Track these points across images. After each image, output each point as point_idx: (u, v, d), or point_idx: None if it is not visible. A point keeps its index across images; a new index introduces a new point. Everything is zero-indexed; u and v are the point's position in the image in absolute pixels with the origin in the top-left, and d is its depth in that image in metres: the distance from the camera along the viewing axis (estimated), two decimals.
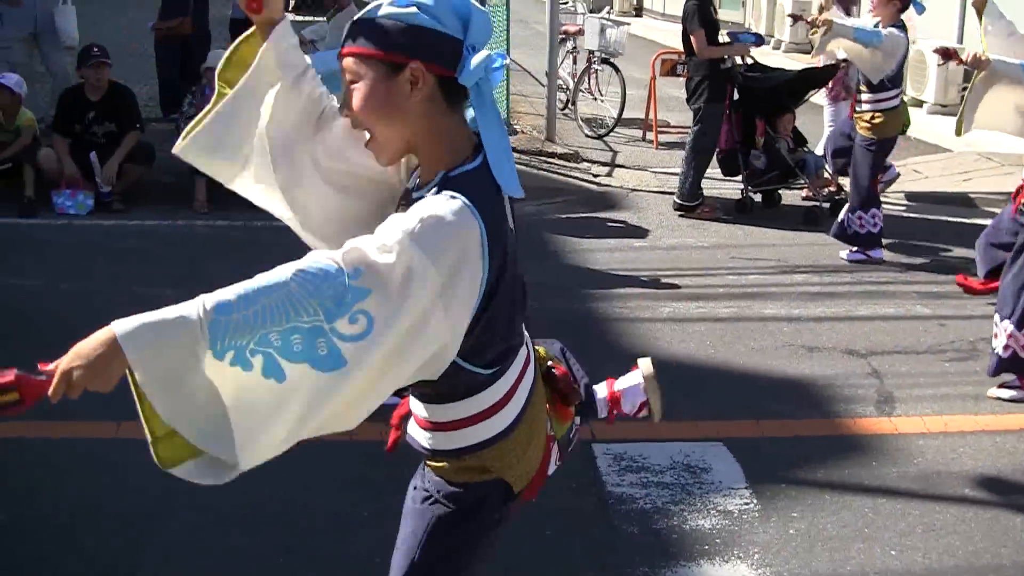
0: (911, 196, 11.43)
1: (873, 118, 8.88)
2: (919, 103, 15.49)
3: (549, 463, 2.91)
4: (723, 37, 10.38)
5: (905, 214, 10.94)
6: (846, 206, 9.17)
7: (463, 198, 2.39)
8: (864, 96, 8.95)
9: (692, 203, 10.23)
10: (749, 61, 10.96)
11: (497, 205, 2.51)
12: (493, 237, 2.42)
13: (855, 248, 9.11)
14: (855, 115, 9.10)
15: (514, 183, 2.52)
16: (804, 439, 5.97)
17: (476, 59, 2.44)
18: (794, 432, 6.06)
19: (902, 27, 8.81)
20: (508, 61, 2.59)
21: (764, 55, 16.57)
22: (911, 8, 8.87)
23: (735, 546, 4.89)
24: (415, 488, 2.83)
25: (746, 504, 5.24)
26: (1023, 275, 6.42)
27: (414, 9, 2.43)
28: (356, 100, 2.48)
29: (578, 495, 5.25)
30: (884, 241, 9.15)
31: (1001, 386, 6.58)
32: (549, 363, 2.98)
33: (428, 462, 2.78)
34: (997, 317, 6.57)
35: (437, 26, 2.44)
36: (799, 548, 4.90)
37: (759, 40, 10.84)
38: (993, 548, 4.99)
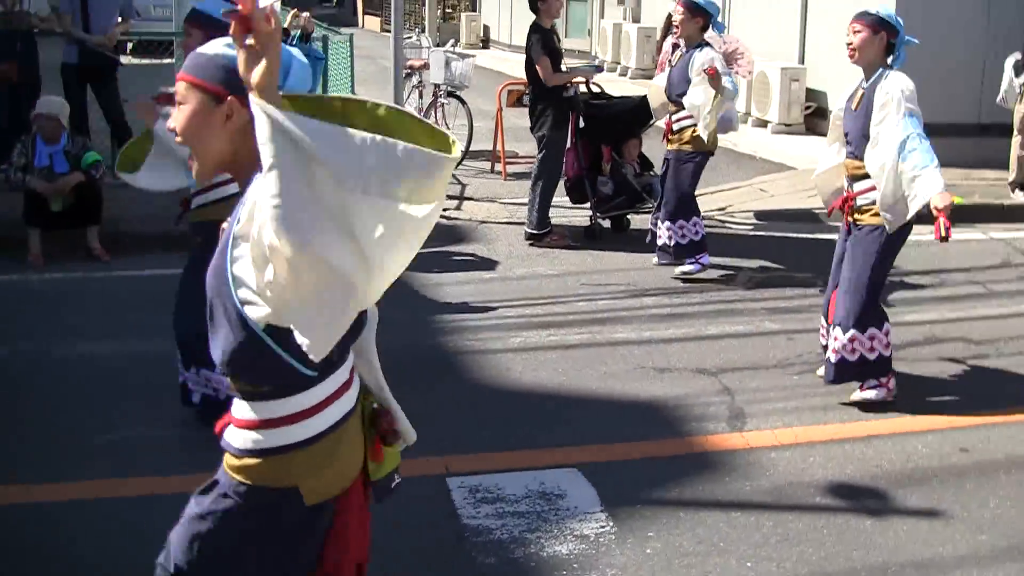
0: (759, 214, 11.61)
1: (693, 132, 9.07)
2: (764, 123, 15.77)
3: (362, 503, 3.06)
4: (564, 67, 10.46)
5: (752, 232, 11.10)
6: (662, 225, 9.29)
7: None
8: (679, 115, 9.19)
9: (541, 231, 10.23)
10: (595, 89, 11.06)
11: None
12: None
13: (685, 261, 9.26)
14: (670, 138, 9.29)
15: None
16: (658, 459, 5.98)
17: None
18: (647, 453, 6.06)
19: (707, 45, 9.12)
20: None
21: (610, 82, 16.78)
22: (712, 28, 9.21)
23: (593, 570, 4.87)
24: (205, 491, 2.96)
25: (602, 527, 5.22)
26: (851, 281, 6.55)
27: None
28: (179, 120, 2.83)
29: (434, 530, 5.19)
30: (736, 261, 9.27)
31: (863, 388, 6.69)
32: (375, 405, 3.08)
33: (231, 462, 2.89)
34: (827, 323, 6.71)
35: None
36: (656, 567, 4.90)
37: (598, 70, 10.95)
38: (845, 552, 5.08)
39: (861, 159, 6.53)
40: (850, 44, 6.55)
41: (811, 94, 15.51)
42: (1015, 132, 12.40)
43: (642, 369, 7.22)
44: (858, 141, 6.56)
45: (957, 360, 7.61)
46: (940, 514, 5.48)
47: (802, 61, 15.88)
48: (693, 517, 5.34)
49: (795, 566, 4.94)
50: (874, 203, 6.49)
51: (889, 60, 6.56)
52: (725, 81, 8.81)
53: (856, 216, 6.63)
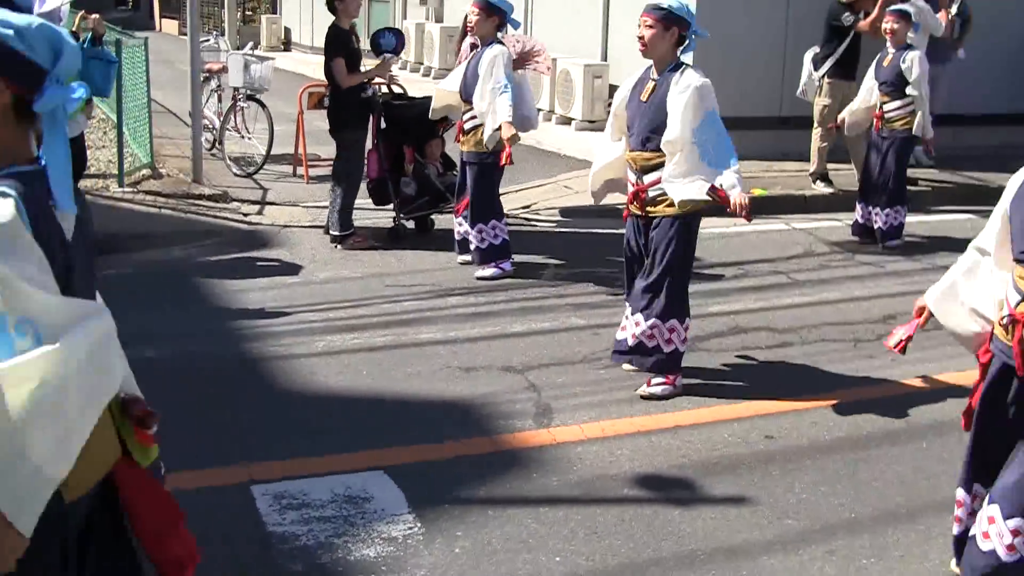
0: (563, 211, 11.68)
1: (483, 132, 9.10)
2: (568, 120, 15.88)
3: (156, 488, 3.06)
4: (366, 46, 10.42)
5: (557, 229, 11.17)
6: (464, 228, 9.31)
7: (10, 190, 2.57)
8: (469, 114, 9.22)
9: (344, 233, 10.11)
10: (396, 89, 10.98)
11: (47, 212, 2.66)
12: (36, 229, 2.57)
13: (488, 264, 9.30)
14: (462, 139, 9.32)
15: (68, 201, 2.70)
16: (465, 458, 5.94)
17: (55, 92, 2.69)
18: (455, 453, 6.01)
19: (500, 42, 9.18)
20: (85, 95, 2.72)
21: (413, 82, 16.71)
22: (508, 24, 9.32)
23: (401, 571, 4.82)
24: None
25: (410, 529, 5.16)
26: (657, 274, 6.62)
27: (12, 32, 2.65)
28: None
29: (239, 540, 5.05)
30: (541, 259, 9.31)
31: (651, 383, 6.76)
32: (122, 394, 3.02)
33: None
34: (629, 310, 6.76)
35: (28, 53, 2.67)
36: (465, 566, 4.87)
37: (399, 41, 10.84)
38: (654, 543, 5.11)
39: (650, 151, 6.58)
40: (641, 38, 6.58)
41: (614, 91, 15.62)
42: (815, 124, 12.75)
43: (448, 369, 7.19)
44: (648, 134, 6.60)
45: (761, 349, 7.77)
46: (747, 501, 5.57)
47: (605, 58, 16.03)
48: (501, 515, 5.32)
49: (604, 559, 4.97)
50: (666, 193, 6.57)
51: (679, 52, 6.62)
52: (501, 81, 8.86)
53: (649, 209, 6.68)
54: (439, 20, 22.75)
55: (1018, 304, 4.22)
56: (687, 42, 6.60)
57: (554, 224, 11.38)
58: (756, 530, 5.28)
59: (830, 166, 12.70)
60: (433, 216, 10.84)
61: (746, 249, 10.55)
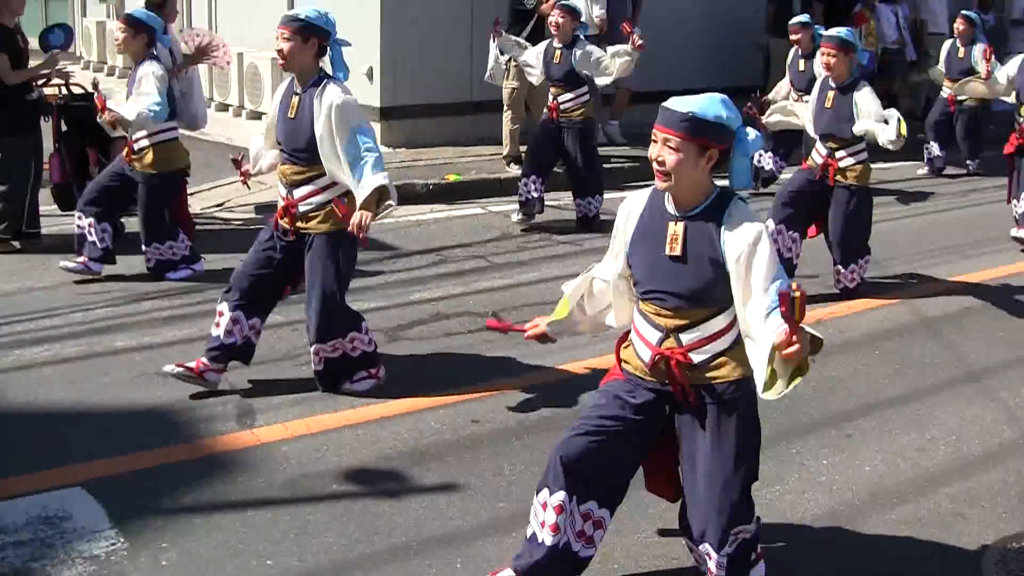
0: (258, 208, 11.56)
1: (156, 152, 8.89)
2: (257, 115, 15.68)
3: None
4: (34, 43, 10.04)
5: (252, 227, 10.99)
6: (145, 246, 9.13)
7: None
8: (140, 134, 8.89)
9: (4, 237, 9.69)
10: (77, 90, 10.61)
11: None
12: None
13: (181, 267, 9.14)
14: (132, 157, 8.96)
15: None
16: (167, 467, 5.79)
17: None
18: (156, 462, 5.85)
19: (155, 58, 8.92)
20: None
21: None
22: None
23: None
24: None
25: (113, 545, 5.00)
26: (320, 296, 6.55)
27: None
28: None
29: None
30: (236, 258, 9.12)
31: (354, 381, 6.71)
32: None
33: None
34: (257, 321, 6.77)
35: None
36: None
37: (68, 37, 10.45)
38: (366, 537, 5.11)
39: (301, 165, 6.45)
40: (280, 51, 6.43)
41: None
42: (505, 107, 12.93)
43: (145, 376, 6.98)
44: (293, 150, 6.47)
45: (463, 334, 7.85)
46: (457, 487, 5.62)
47: None
48: (208, 522, 5.22)
49: (316, 557, 4.93)
50: (319, 209, 6.49)
51: (325, 62, 6.52)
52: (152, 96, 8.64)
53: (300, 225, 6.56)
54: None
55: (662, 341, 4.37)
56: (331, 54, 6.49)
57: (248, 221, 11.21)
58: (469, 516, 5.34)
59: (523, 148, 12.90)
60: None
61: (443, 235, 10.65)
